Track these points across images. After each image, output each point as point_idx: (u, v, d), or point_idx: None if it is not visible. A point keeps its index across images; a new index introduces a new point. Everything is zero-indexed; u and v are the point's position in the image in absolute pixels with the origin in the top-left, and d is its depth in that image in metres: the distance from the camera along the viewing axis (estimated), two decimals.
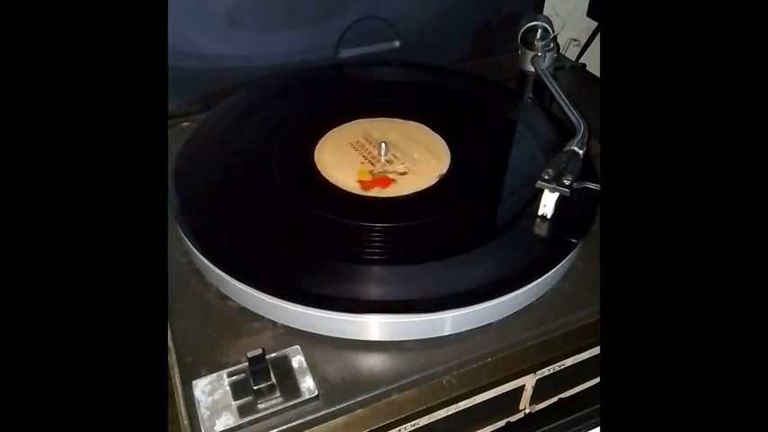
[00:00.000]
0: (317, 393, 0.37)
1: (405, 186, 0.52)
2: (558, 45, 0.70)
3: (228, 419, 0.36)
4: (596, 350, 0.45)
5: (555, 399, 0.48)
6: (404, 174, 0.53)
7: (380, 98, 0.64)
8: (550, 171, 0.47)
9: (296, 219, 0.49)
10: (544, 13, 0.79)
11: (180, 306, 0.44)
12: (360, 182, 0.52)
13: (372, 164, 0.55)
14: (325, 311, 0.40)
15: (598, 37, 0.84)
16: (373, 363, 0.40)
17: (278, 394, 0.37)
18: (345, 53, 0.71)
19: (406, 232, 0.48)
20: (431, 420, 0.41)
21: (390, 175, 0.53)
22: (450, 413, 0.41)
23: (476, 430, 0.46)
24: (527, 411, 0.47)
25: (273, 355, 0.39)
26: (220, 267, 0.43)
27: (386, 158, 0.55)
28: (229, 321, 0.43)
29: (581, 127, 0.53)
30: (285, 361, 0.39)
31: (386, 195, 0.51)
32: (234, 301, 0.44)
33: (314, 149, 0.56)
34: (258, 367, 0.37)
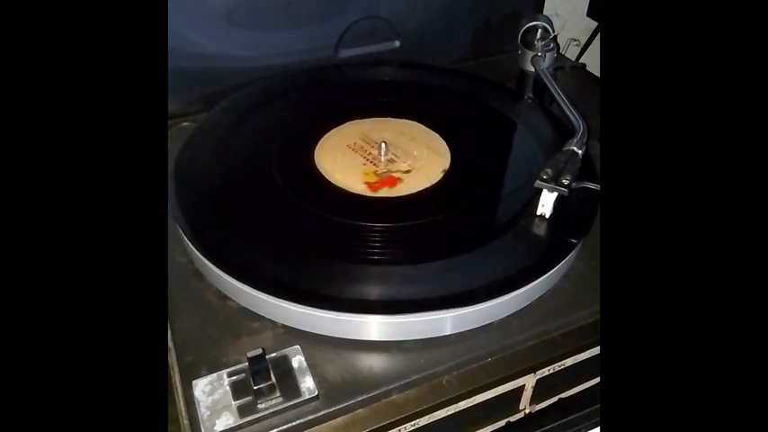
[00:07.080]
0: (316, 393, 0.37)
1: (403, 187, 0.52)
2: (558, 45, 0.71)
3: (228, 419, 0.36)
4: (596, 350, 0.45)
5: (555, 399, 0.48)
6: (403, 173, 0.53)
7: (380, 98, 0.64)
8: (549, 171, 0.47)
9: (296, 218, 0.49)
10: (544, 13, 0.79)
11: (180, 306, 0.44)
12: (366, 183, 0.52)
13: (374, 164, 0.55)
14: (325, 311, 0.40)
15: (598, 37, 0.84)
16: (373, 363, 0.40)
17: (278, 394, 0.37)
18: (345, 53, 0.71)
19: (405, 232, 0.48)
20: (431, 420, 0.41)
21: (395, 175, 0.53)
22: (450, 413, 0.41)
23: (476, 430, 0.46)
24: (527, 411, 0.47)
25: (273, 355, 0.39)
26: (220, 267, 0.43)
27: (386, 158, 0.55)
28: (229, 321, 0.43)
29: (580, 127, 0.53)
30: (285, 361, 0.39)
31: (383, 195, 0.51)
32: (234, 301, 0.44)
33: (314, 149, 0.56)
34: (258, 367, 0.37)
